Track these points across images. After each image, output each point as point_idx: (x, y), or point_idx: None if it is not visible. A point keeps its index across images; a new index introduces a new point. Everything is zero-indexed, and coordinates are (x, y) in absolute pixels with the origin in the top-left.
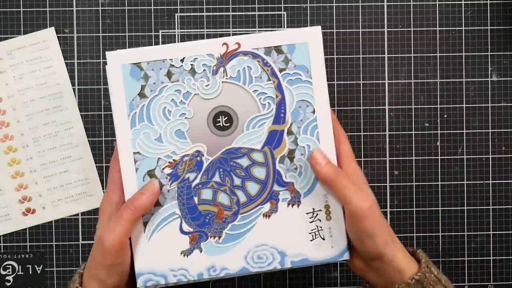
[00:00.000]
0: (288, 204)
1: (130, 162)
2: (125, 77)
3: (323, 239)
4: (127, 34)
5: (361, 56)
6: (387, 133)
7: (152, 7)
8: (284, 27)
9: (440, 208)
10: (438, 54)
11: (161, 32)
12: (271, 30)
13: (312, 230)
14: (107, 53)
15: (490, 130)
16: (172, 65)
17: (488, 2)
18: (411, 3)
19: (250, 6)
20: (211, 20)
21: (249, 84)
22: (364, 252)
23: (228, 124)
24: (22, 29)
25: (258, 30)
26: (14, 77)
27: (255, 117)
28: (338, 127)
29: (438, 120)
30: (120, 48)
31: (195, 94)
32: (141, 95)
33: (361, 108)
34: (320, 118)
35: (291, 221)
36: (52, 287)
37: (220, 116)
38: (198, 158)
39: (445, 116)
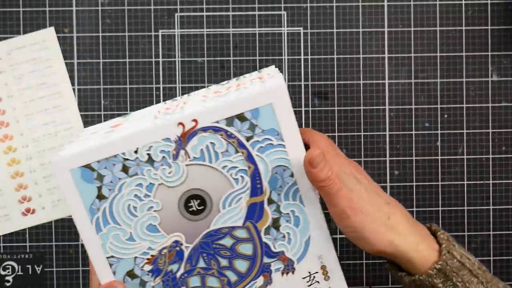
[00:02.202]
0: (282, 273)
1: (105, 267)
2: (77, 183)
3: None
4: (126, 34)
5: (361, 56)
6: (387, 133)
7: (152, 7)
8: (284, 27)
9: (440, 208)
10: (438, 54)
11: (161, 32)
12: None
13: None
14: (51, 162)
15: (490, 130)
16: (126, 159)
17: (488, 2)
18: (412, 3)
19: (250, 6)
20: (211, 20)
21: (216, 161)
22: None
23: (202, 207)
24: (21, 29)
25: (258, 30)
26: (14, 77)
27: (230, 194)
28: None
29: (438, 120)
30: (119, 47)
31: (159, 184)
32: (100, 197)
33: (361, 108)
34: (300, 180)
35: None
36: None
37: (192, 201)
38: (178, 248)
39: (445, 116)
